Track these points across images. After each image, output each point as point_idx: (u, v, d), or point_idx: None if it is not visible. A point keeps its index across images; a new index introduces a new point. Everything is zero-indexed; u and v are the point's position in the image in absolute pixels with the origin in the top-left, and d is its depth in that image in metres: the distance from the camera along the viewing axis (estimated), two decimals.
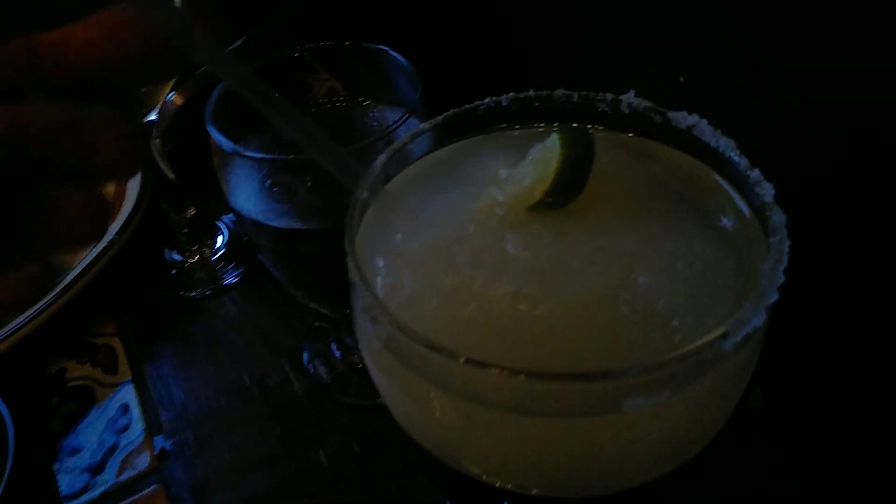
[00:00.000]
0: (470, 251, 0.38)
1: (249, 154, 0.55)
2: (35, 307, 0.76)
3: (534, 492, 0.37)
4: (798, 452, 0.63)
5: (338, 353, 0.75)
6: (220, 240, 0.89)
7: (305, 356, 0.76)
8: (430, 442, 0.38)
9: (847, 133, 0.51)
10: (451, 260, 0.38)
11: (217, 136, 0.56)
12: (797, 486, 0.62)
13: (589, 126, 0.46)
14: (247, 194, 0.57)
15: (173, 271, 0.87)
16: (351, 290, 0.37)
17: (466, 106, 0.45)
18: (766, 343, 0.41)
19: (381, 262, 0.39)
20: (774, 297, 0.33)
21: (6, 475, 0.52)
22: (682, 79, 0.59)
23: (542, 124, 0.47)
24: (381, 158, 0.43)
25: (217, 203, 0.89)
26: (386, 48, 0.61)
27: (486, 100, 0.45)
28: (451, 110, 0.45)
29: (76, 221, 0.30)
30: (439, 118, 0.45)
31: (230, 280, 0.85)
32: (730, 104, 0.54)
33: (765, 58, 0.54)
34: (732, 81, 0.58)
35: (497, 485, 0.38)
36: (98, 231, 0.32)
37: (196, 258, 0.87)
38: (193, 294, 0.84)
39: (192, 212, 0.85)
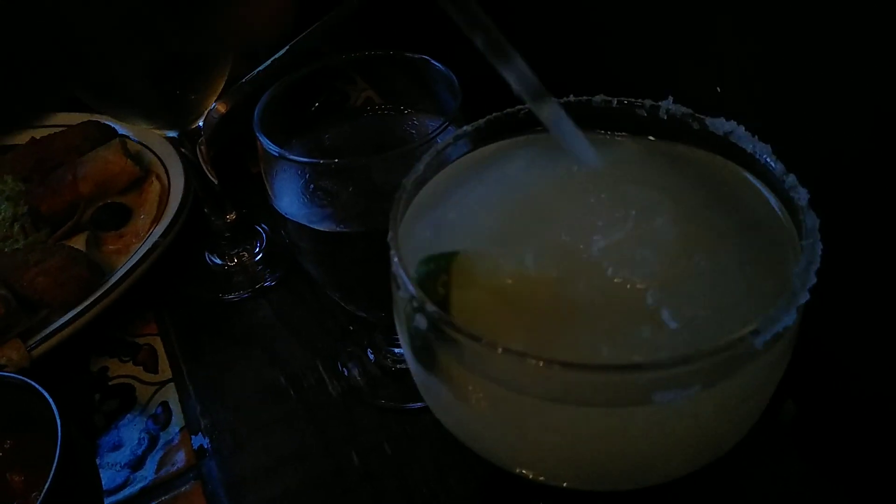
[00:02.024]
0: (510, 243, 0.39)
1: (294, 158, 0.56)
2: (80, 307, 0.78)
3: (564, 484, 0.38)
4: (830, 465, 0.63)
5: (371, 357, 0.76)
6: (258, 244, 0.91)
7: (339, 359, 0.77)
8: (467, 433, 0.39)
9: (885, 138, 0.51)
10: (489, 252, 0.39)
11: (264, 141, 0.58)
12: (829, 498, 0.61)
13: (621, 133, 0.47)
14: (290, 198, 0.59)
15: (213, 274, 0.89)
16: (393, 283, 0.39)
17: (508, 110, 0.47)
18: (799, 353, 0.41)
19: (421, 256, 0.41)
20: (805, 297, 0.34)
21: (54, 468, 0.54)
22: (719, 89, 0.60)
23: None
24: (425, 159, 0.44)
25: (257, 209, 0.92)
26: (427, 57, 0.62)
27: (527, 104, 0.46)
28: (493, 114, 0.46)
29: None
30: (481, 122, 0.46)
31: (268, 283, 0.87)
32: (765, 112, 0.54)
33: (800, 66, 0.55)
34: (769, 91, 0.58)
35: (529, 476, 0.38)
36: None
37: (235, 262, 0.89)
38: (232, 296, 0.86)
39: (233, 217, 0.87)
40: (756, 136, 0.42)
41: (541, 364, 0.32)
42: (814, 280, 0.34)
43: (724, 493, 0.62)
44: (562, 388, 0.32)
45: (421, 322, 0.35)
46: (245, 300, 0.86)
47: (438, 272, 0.38)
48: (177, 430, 0.73)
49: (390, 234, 0.39)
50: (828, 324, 0.62)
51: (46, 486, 0.52)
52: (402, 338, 0.40)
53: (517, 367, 0.32)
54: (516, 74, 0.41)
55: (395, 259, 0.37)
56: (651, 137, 0.47)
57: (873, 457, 0.64)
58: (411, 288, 0.35)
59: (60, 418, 0.56)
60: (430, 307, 0.34)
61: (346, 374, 0.75)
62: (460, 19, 0.39)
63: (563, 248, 0.39)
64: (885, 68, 0.50)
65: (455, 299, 0.37)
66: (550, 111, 0.43)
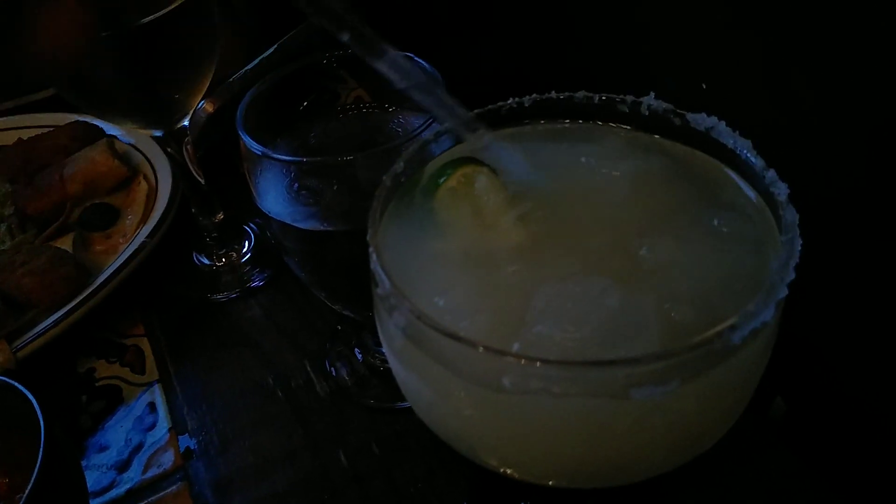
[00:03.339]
0: (489, 242, 0.39)
1: (278, 157, 0.56)
2: (66, 307, 0.78)
3: (550, 483, 0.37)
4: (820, 461, 0.63)
5: (359, 356, 0.76)
6: (247, 244, 0.91)
7: (328, 358, 0.77)
8: (449, 432, 0.39)
9: (865, 136, 0.51)
10: (468, 252, 0.39)
11: (247, 140, 0.57)
12: (819, 495, 0.61)
13: (609, 124, 0.47)
14: (275, 197, 0.59)
15: (201, 275, 0.89)
16: (372, 281, 0.38)
17: (490, 106, 0.46)
18: (787, 350, 0.41)
19: (401, 255, 0.40)
20: (784, 292, 0.34)
21: (36, 469, 0.53)
22: (704, 86, 0.59)
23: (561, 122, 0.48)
24: (405, 155, 0.44)
25: (245, 208, 0.91)
26: (411, 55, 0.62)
27: (509, 100, 0.46)
28: (475, 110, 0.46)
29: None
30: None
31: (256, 283, 0.87)
32: (747, 109, 0.54)
33: (785, 64, 0.55)
34: (751, 88, 0.58)
35: (514, 475, 0.38)
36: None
37: (223, 262, 0.89)
38: (220, 297, 0.86)
39: (220, 216, 0.87)
40: (738, 132, 0.42)
41: (521, 361, 0.31)
42: (792, 275, 0.34)
43: (714, 488, 0.62)
44: (541, 384, 0.32)
45: (399, 319, 0.35)
46: (233, 300, 0.86)
47: (445, 171, 0.41)
48: (164, 431, 0.72)
49: (370, 232, 0.39)
50: (815, 320, 0.62)
51: (29, 488, 0.52)
52: (382, 336, 0.40)
53: (496, 363, 0.32)
54: (390, 66, 0.42)
55: (374, 257, 0.37)
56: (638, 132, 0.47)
57: (861, 452, 0.64)
58: (389, 285, 0.35)
59: (44, 419, 0.56)
60: (407, 304, 0.34)
61: (334, 373, 0.75)
62: (324, 21, 0.39)
63: (548, 224, 0.39)
64: (866, 66, 0.49)
65: (441, 200, 0.40)
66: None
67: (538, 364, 0.31)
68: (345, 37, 0.39)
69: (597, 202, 0.42)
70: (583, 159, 0.45)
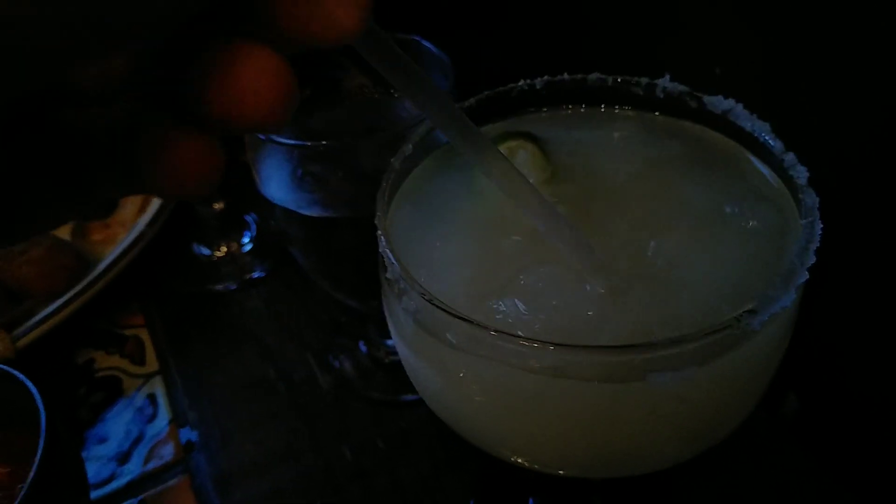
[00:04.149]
0: (500, 224, 0.38)
1: (282, 140, 0.55)
2: (65, 297, 0.77)
3: (561, 472, 0.36)
4: (833, 459, 0.62)
5: (364, 349, 0.74)
6: (247, 235, 0.90)
7: (331, 351, 0.75)
8: (459, 420, 0.38)
9: (887, 119, 0.50)
10: (478, 234, 0.38)
11: None
12: (832, 493, 0.60)
13: (622, 106, 0.46)
14: (278, 183, 0.58)
15: (201, 265, 0.88)
16: (380, 265, 0.37)
17: (500, 89, 0.45)
18: (801, 346, 0.40)
19: (409, 240, 0.39)
20: (804, 276, 0.32)
21: (37, 460, 0.52)
22: (718, 70, 0.58)
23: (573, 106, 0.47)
24: (413, 138, 0.43)
25: (246, 198, 0.90)
26: (418, 38, 0.61)
27: (520, 83, 0.45)
28: (484, 93, 0.45)
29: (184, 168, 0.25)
30: (472, 100, 0.45)
31: (257, 274, 0.85)
32: (762, 93, 0.53)
33: (802, 47, 0.54)
34: (766, 73, 0.57)
35: (524, 464, 0.37)
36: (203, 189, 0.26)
37: (224, 252, 0.88)
38: (220, 287, 0.85)
39: (221, 206, 0.86)
40: (755, 115, 0.41)
41: (534, 345, 0.30)
42: (813, 259, 0.33)
43: (724, 485, 0.61)
44: (554, 366, 0.31)
45: (409, 304, 0.34)
46: (233, 291, 0.84)
47: (494, 141, 0.40)
48: (164, 423, 0.71)
49: (378, 215, 0.38)
50: (830, 316, 0.61)
51: (30, 478, 0.51)
52: (391, 322, 0.39)
53: (509, 347, 0.31)
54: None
55: (383, 239, 0.36)
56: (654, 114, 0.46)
57: (875, 451, 0.63)
58: (398, 268, 0.34)
59: (45, 409, 0.55)
60: (417, 287, 0.33)
61: (337, 366, 0.74)
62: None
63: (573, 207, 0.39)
64: (888, 46, 0.48)
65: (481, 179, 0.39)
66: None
67: (552, 348, 0.30)
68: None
69: (616, 189, 0.41)
70: (604, 145, 0.44)
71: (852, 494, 0.60)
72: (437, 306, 0.32)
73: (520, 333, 0.30)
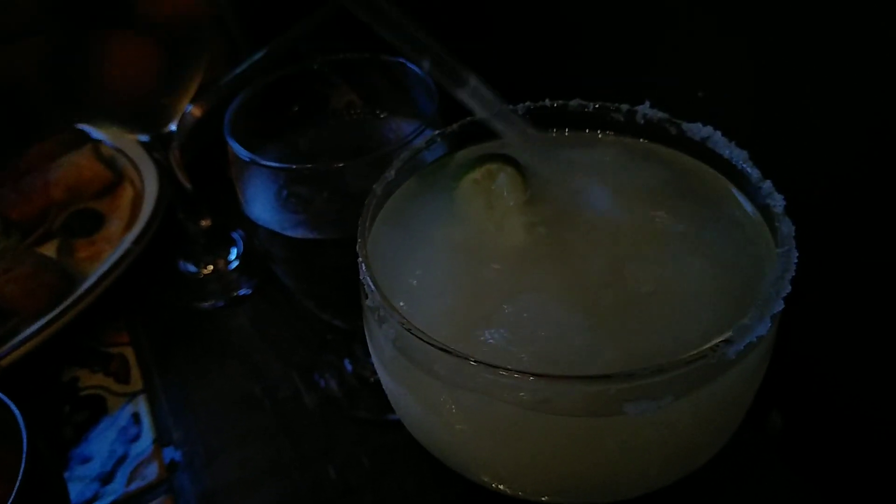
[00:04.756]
0: (481, 251, 0.38)
1: (266, 163, 0.55)
2: (51, 315, 0.76)
3: (544, 499, 0.36)
4: (817, 476, 0.62)
5: (349, 367, 0.74)
6: (234, 252, 0.90)
7: (317, 370, 0.75)
8: (439, 446, 0.38)
9: (864, 147, 0.51)
10: (459, 261, 0.38)
11: (235, 146, 0.56)
12: None
13: (603, 131, 0.46)
14: (263, 204, 0.58)
15: (187, 282, 0.88)
16: (361, 292, 0.37)
17: None
18: (784, 364, 0.40)
19: (391, 266, 0.39)
20: (780, 306, 0.33)
21: (18, 481, 0.52)
22: (700, 94, 0.59)
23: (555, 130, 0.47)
24: (396, 163, 0.43)
25: (232, 216, 0.90)
26: (404, 61, 0.61)
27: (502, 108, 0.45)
28: (468, 118, 0.45)
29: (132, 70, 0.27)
30: (455, 126, 0.45)
31: (243, 292, 0.85)
32: (744, 117, 0.54)
33: (782, 73, 0.54)
34: (748, 96, 0.58)
35: (506, 491, 0.37)
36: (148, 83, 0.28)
37: (210, 269, 0.88)
38: (207, 305, 0.85)
39: (208, 223, 0.86)
40: (734, 142, 0.42)
41: (515, 376, 0.30)
42: (788, 289, 0.33)
43: (711, 502, 0.61)
44: (533, 398, 0.31)
45: (389, 331, 0.34)
46: (220, 309, 0.84)
47: (474, 163, 0.42)
48: (148, 442, 0.71)
49: (359, 241, 0.38)
50: (812, 333, 0.61)
51: (11, 499, 0.51)
52: (372, 347, 0.39)
53: (488, 377, 0.31)
54: (471, 95, 0.41)
55: (363, 266, 0.36)
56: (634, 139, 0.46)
57: (859, 466, 0.63)
58: (378, 297, 0.34)
59: (27, 430, 0.55)
60: (396, 315, 0.33)
61: (323, 385, 0.74)
62: (406, 46, 0.37)
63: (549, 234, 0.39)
64: (863, 75, 0.49)
65: (462, 189, 0.40)
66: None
67: (531, 378, 0.30)
68: (425, 64, 0.37)
69: (594, 213, 0.41)
70: (583, 170, 0.44)
71: None
72: (417, 336, 0.32)
73: (498, 364, 0.31)
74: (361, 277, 0.36)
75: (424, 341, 0.32)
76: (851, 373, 0.62)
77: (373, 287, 0.35)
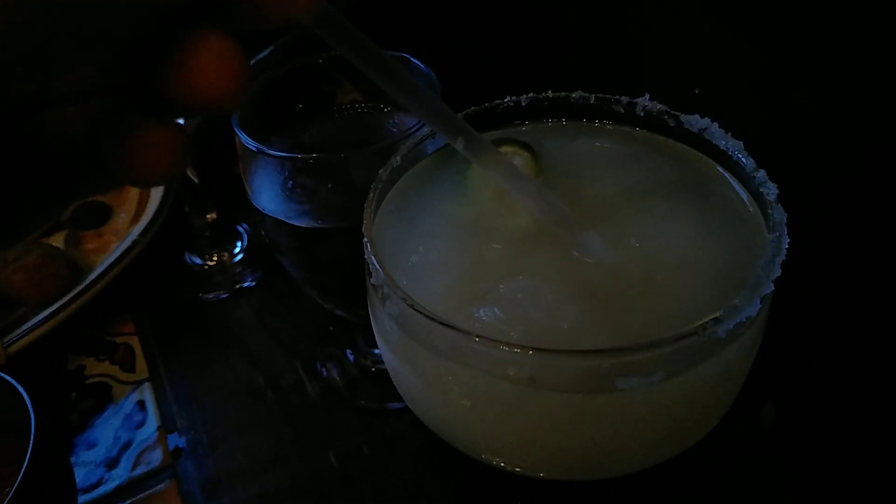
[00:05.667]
0: (481, 232, 0.40)
1: (272, 153, 0.56)
2: (57, 304, 0.77)
3: (541, 475, 0.38)
4: (810, 468, 0.63)
5: (351, 358, 0.76)
6: (239, 245, 0.91)
7: (319, 360, 0.76)
8: (441, 423, 0.39)
9: (855, 139, 0.52)
10: (460, 242, 0.39)
11: (242, 136, 0.58)
12: (810, 501, 0.61)
13: (602, 121, 0.47)
14: (269, 194, 0.59)
15: (192, 274, 0.89)
16: (366, 271, 0.38)
17: (486, 105, 0.47)
18: (777, 356, 0.41)
19: (395, 247, 0.41)
20: (770, 288, 0.34)
21: (26, 463, 0.53)
22: (697, 91, 0.60)
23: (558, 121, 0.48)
24: (402, 150, 0.44)
25: (237, 209, 0.92)
26: (406, 55, 0.63)
27: (506, 99, 0.47)
28: (471, 108, 0.46)
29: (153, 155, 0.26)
30: (460, 114, 0.46)
31: (247, 284, 0.87)
32: (738, 113, 0.55)
33: (776, 70, 0.56)
34: (742, 93, 0.59)
35: (506, 467, 0.38)
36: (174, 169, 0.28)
37: (215, 262, 0.89)
38: (211, 296, 0.86)
39: (213, 216, 0.87)
40: (729, 134, 0.43)
41: (515, 350, 0.32)
42: (778, 272, 0.34)
43: (705, 495, 0.62)
44: (533, 373, 0.32)
45: (392, 308, 0.35)
46: (224, 300, 0.86)
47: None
48: (153, 429, 0.72)
49: (365, 223, 0.39)
50: (804, 325, 0.62)
51: (18, 481, 0.51)
52: (376, 327, 0.40)
53: (490, 353, 0.32)
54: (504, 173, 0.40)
55: (368, 246, 0.37)
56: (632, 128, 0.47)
57: (852, 458, 0.64)
58: (382, 274, 0.35)
59: (34, 413, 0.56)
60: (399, 292, 0.34)
61: (325, 374, 0.75)
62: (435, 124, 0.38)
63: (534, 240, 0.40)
64: (856, 72, 0.50)
65: (475, 169, 0.41)
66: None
67: (530, 352, 0.31)
68: (459, 144, 0.38)
69: (599, 199, 0.42)
70: (585, 158, 0.46)
71: (830, 502, 0.61)
72: (418, 311, 0.33)
73: (502, 339, 0.32)
74: (366, 256, 0.37)
75: (424, 315, 0.33)
76: (844, 366, 0.63)
77: (376, 265, 0.36)
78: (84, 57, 0.24)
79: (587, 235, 0.39)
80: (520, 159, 0.43)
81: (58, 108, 0.27)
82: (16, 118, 0.26)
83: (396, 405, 0.71)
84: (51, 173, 0.27)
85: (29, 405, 0.57)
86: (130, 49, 0.25)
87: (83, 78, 0.25)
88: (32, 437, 0.54)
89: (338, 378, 0.74)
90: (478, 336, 0.32)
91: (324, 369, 0.75)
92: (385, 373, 0.73)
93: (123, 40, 0.24)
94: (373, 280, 0.37)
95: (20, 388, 0.58)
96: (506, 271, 0.38)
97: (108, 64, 0.26)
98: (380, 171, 0.43)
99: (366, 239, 0.38)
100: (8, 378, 0.59)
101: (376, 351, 0.74)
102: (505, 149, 0.43)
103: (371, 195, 0.41)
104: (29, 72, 0.22)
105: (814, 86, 0.53)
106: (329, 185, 0.58)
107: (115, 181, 0.28)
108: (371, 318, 0.41)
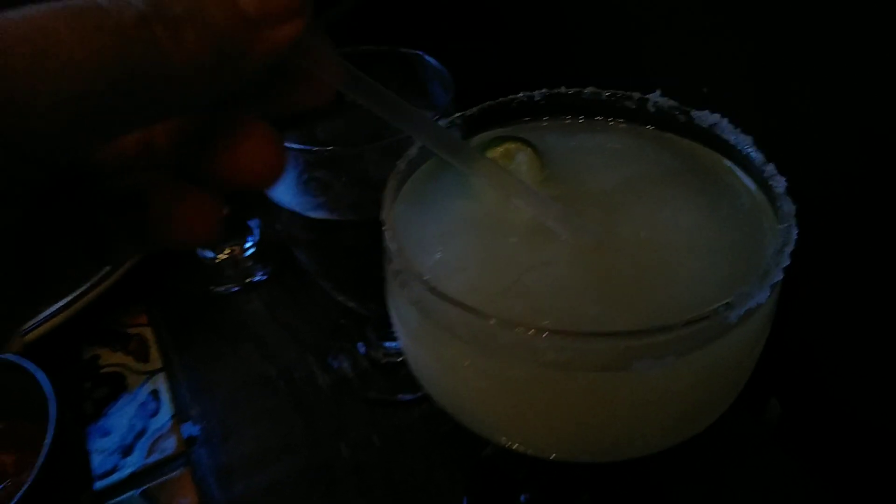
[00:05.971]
0: (498, 226, 0.41)
1: (289, 145, 0.57)
2: (72, 295, 0.79)
3: (553, 456, 0.39)
4: (816, 463, 0.64)
5: (362, 350, 0.77)
6: (250, 240, 0.92)
7: (330, 352, 0.78)
8: (458, 406, 0.40)
9: (861, 134, 0.53)
10: (478, 236, 0.40)
11: None
12: (816, 496, 0.62)
13: (616, 119, 0.49)
14: (285, 187, 0.60)
15: (204, 268, 0.90)
16: (384, 258, 0.40)
17: (501, 99, 0.48)
18: (782, 351, 0.42)
19: (413, 242, 0.42)
20: (779, 276, 0.35)
21: (46, 447, 0.54)
22: (705, 89, 0.61)
23: (570, 117, 0.49)
24: (418, 143, 0.45)
25: (249, 205, 0.93)
26: (420, 53, 0.64)
27: (519, 94, 0.48)
28: (486, 103, 0.47)
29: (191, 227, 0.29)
30: (474, 109, 0.47)
31: (258, 278, 0.88)
32: (746, 111, 0.56)
33: (783, 67, 0.57)
34: (750, 91, 0.60)
35: (520, 449, 0.39)
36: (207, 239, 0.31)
37: (227, 255, 0.90)
38: (222, 290, 0.87)
39: (225, 211, 0.88)
40: (739, 129, 0.44)
41: (531, 332, 0.33)
42: (787, 261, 0.35)
43: (711, 489, 0.63)
44: (551, 355, 0.33)
45: (411, 293, 0.36)
46: (235, 294, 0.87)
47: (492, 143, 0.44)
48: (166, 418, 0.73)
49: (384, 211, 0.40)
50: (810, 322, 0.63)
51: (38, 465, 0.53)
52: (394, 313, 0.41)
53: (507, 335, 0.33)
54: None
55: (387, 233, 0.38)
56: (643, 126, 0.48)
57: (858, 453, 0.65)
58: (401, 260, 0.36)
59: (56, 400, 0.57)
60: (418, 277, 0.35)
61: (336, 366, 0.76)
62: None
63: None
64: (861, 68, 0.51)
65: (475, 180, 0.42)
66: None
67: (545, 335, 0.32)
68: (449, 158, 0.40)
69: (606, 193, 0.43)
70: (596, 153, 0.47)
71: (836, 497, 0.62)
72: (438, 295, 0.34)
73: (520, 322, 0.33)
74: (386, 243, 0.38)
75: (445, 299, 0.34)
76: (848, 362, 0.64)
77: (396, 251, 0.37)
78: (136, 121, 0.25)
79: (586, 229, 0.40)
80: (523, 155, 0.44)
81: (100, 177, 0.29)
82: (69, 184, 0.28)
83: (406, 397, 0.72)
84: (86, 235, 0.29)
85: (49, 390, 0.58)
86: (181, 119, 0.28)
87: (126, 150, 0.28)
88: (53, 421, 0.56)
89: (349, 370, 0.76)
90: (500, 320, 0.33)
91: (335, 362, 0.77)
92: (395, 366, 0.75)
93: (177, 108, 0.26)
94: (393, 266, 0.38)
95: (39, 374, 0.59)
96: (527, 264, 0.39)
97: (154, 132, 0.28)
98: (398, 163, 0.44)
99: (385, 226, 0.39)
100: (26, 363, 0.60)
101: (387, 344, 0.76)
102: (508, 145, 0.44)
103: (390, 184, 0.42)
104: (90, 132, 0.24)
105: (820, 83, 0.55)
106: (343, 179, 0.59)
107: (147, 245, 0.30)
108: (389, 305, 0.42)
